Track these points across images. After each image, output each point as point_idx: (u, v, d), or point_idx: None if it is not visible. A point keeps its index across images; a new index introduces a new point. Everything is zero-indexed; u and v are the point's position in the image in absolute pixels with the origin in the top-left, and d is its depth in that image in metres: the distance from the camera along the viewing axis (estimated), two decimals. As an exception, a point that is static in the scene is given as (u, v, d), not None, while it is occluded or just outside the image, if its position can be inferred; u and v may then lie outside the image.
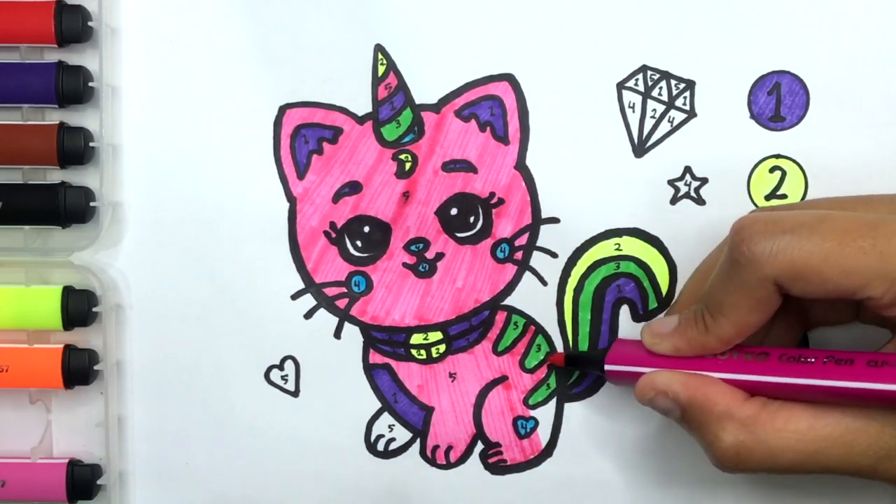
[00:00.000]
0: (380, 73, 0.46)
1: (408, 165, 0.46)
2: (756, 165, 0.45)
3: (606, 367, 0.43)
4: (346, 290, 0.47)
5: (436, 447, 0.47)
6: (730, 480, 0.46)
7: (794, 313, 0.41)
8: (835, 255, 0.37)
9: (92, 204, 0.46)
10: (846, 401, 0.38)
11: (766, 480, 0.47)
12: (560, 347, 0.46)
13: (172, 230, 0.47)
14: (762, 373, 0.39)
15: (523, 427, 0.47)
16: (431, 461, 0.47)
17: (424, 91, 0.46)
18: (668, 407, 0.41)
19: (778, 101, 0.45)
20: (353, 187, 0.46)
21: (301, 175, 0.46)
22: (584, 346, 0.46)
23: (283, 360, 0.47)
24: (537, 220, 0.46)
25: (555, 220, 0.46)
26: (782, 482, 0.47)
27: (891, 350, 0.39)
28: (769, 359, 0.40)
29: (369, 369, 0.47)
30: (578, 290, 0.46)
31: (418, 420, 0.47)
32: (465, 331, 0.47)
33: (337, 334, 0.47)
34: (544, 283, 0.46)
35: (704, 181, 0.45)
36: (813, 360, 0.39)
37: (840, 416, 0.38)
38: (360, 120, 0.46)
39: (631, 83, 0.45)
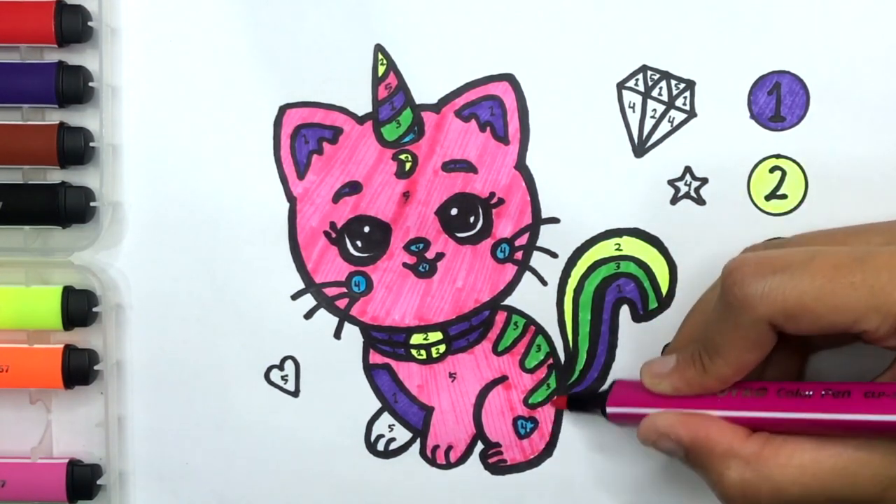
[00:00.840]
0: (380, 73, 0.46)
1: (408, 165, 0.46)
2: (756, 165, 0.45)
3: (608, 410, 0.44)
4: (346, 290, 0.47)
5: (436, 447, 0.47)
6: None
7: (795, 342, 0.41)
8: (826, 293, 0.37)
9: (92, 204, 0.46)
10: (846, 433, 0.38)
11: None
12: (560, 347, 0.46)
13: (172, 230, 0.47)
14: (761, 409, 0.40)
15: (523, 427, 0.47)
16: (431, 461, 0.47)
17: (424, 91, 0.46)
18: (672, 448, 0.41)
19: (778, 101, 0.45)
20: (353, 187, 0.46)
21: (301, 175, 0.46)
22: (584, 346, 0.46)
23: (283, 360, 0.47)
24: (537, 220, 0.46)
25: (555, 220, 0.46)
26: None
27: (888, 378, 0.39)
28: (767, 394, 0.40)
29: (369, 369, 0.47)
30: (578, 290, 0.46)
31: (418, 420, 0.47)
32: (465, 331, 0.47)
33: (337, 334, 0.47)
34: (544, 283, 0.46)
35: (704, 181, 0.45)
36: (810, 393, 0.39)
37: (842, 448, 0.38)
38: (360, 120, 0.46)
39: (631, 83, 0.45)
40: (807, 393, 0.39)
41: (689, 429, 0.40)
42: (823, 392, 0.39)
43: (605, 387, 0.45)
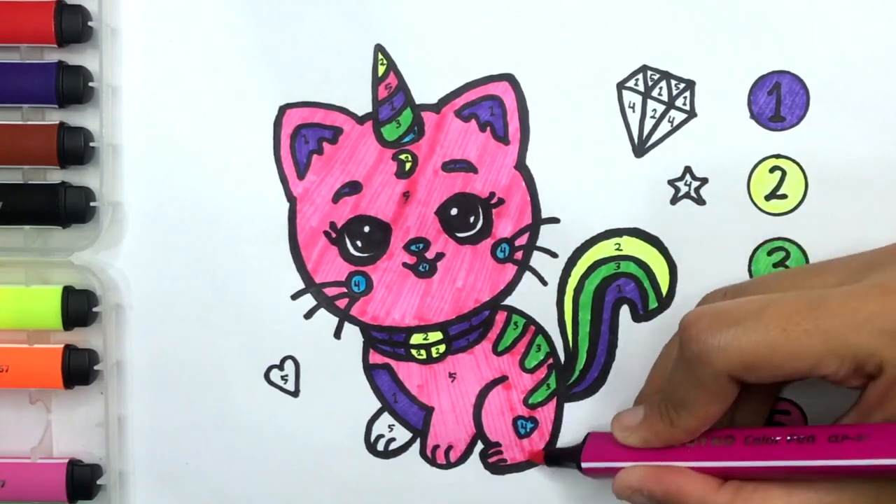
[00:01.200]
0: (380, 73, 0.46)
1: (408, 165, 0.46)
2: (756, 165, 0.45)
3: (584, 465, 0.44)
4: (346, 290, 0.47)
5: (436, 447, 0.47)
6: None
7: (761, 384, 0.41)
8: (781, 343, 0.37)
9: (92, 204, 0.46)
10: (815, 477, 0.38)
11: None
12: (560, 347, 0.46)
13: (172, 230, 0.47)
14: (730, 458, 0.40)
15: (523, 427, 0.47)
16: (431, 461, 0.47)
17: (424, 91, 0.46)
18: (646, 503, 0.41)
19: (778, 101, 0.45)
20: (353, 187, 0.46)
21: (301, 175, 0.46)
22: (583, 346, 0.46)
23: (283, 360, 0.47)
24: (537, 220, 0.46)
25: (555, 220, 0.46)
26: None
27: (853, 417, 0.39)
28: (735, 443, 0.40)
29: (369, 369, 0.47)
30: (578, 290, 0.46)
31: (418, 420, 0.47)
32: (465, 331, 0.47)
33: (337, 334, 0.47)
34: (544, 283, 0.46)
35: (704, 181, 0.45)
36: (778, 438, 0.39)
37: (812, 493, 0.38)
38: (360, 120, 0.46)
39: (631, 83, 0.45)
40: (774, 439, 0.39)
41: (661, 483, 0.41)
42: (789, 438, 0.39)
43: (581, 440, 0.45)
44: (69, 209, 0.45)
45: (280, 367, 0.47)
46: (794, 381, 0.40)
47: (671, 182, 0.46)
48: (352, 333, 0.47)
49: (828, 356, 0.37)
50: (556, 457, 0.46)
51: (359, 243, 0.46)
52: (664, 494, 0.41)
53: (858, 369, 0.37)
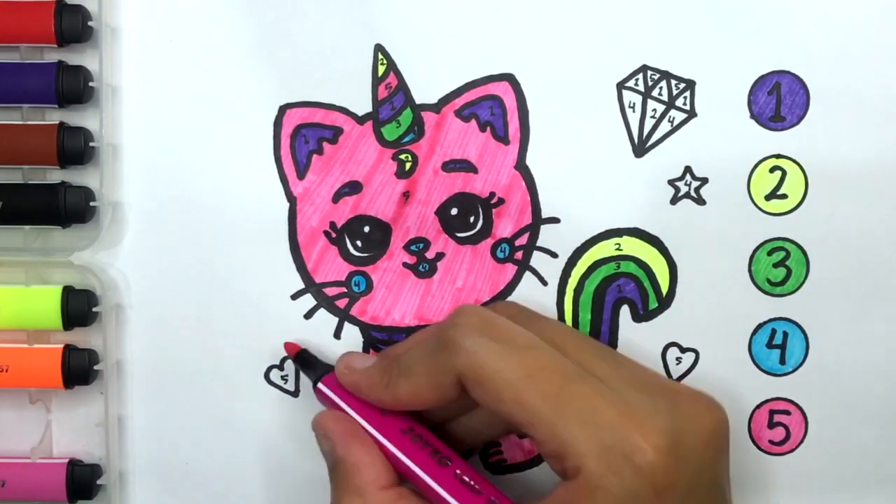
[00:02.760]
0: (380, 73, 0.46)
1: (408, 165, 0.46)
2: (756, 165, 0.45)
3: (319, 385, 0.44)
4: (346, 290, 0.47)
5: (436, 447, 0.47)
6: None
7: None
8: (519, 385, 0.37)
9: (92, 204, 0.46)
10: None
11: (762, 479, 0.47)
12: (560, 347, 0.46)
13: (172, 230, 0.47)
14: (428, 471, 0.40)
15: (523, 427, 0.47)
16: (431, 461, 0.47)
17: (424, 91, 0.46)
18: (324, 452, 0.42)
19: (778, 101, 0.45)
20: (353, 187, 0.46)
21: (301, 175, 0.46)
22: (584, 346, 0.46)
23: (283, 360, 0.47)
24: (537, 220, 0.46)
25: (555, 220, 0.46)
26: (781, 482, 0.47)
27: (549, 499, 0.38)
28: (448, 467, 0.40)
29: (369, 369, 0.47)
30: (578, 291, 0.46)
31: (418, 420, 0.47)
32: (465, 331, 0.47)
33: (337, 334, 0.47)
34: (544, 283, 0.46)
35: (704, 181, 0.45)
36: (475, 484, 0.39)
37: None
38: (360, 120, 0.46)
39: (631, 83, 0.45)
40: (474, 486, 0.39)
41: (345, 446, 0.41)
42: (472, 488, 0.39)
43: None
44: (69, 209, 0.45)
45: (280, 367, 0.47)
46: (513, 425, 0.39)
47: (671, 182, 0.46)
48: (352, 333, 0.47)
49: (547, 425, 0.37)
50: (306, 360, 0.45)
51: (359, 243, 0.46)
52: (341, 457, 0.40)
53: (560, 458, 0.37)
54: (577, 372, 0.38)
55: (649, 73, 0.45)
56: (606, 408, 0.37)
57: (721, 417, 0.40)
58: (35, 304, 0.46)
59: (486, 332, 0.39)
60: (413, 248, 0.46)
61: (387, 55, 0.45)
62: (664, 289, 0.46)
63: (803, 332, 0.46)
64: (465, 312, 0.40)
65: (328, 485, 0.44)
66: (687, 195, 0.46)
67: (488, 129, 0.46)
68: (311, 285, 0.47)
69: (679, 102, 0.45)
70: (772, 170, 0.45)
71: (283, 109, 0.46)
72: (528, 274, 0.46)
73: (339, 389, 0.43)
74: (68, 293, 0.46)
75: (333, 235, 0.46)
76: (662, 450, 0.37)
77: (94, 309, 0.46)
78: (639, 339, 0.46)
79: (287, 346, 0.46)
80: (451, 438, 0.43)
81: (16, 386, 0.46)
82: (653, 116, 0.45)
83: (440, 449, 0.41)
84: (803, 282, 0.46)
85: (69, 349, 0.46)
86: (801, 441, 0.47)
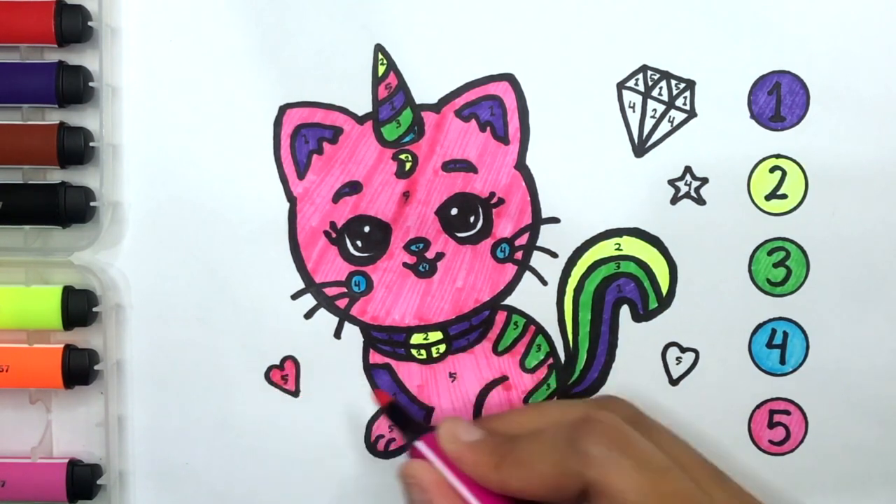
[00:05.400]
0: (380, 73, 0.46)
1: (408, 165, 0.46)
2: (756, 165, 0.45)
3: (417, 444, 0.42)
4: (346, 290, 0.47)
5: (436, 447, 0.47)
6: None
7: None
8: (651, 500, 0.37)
9: (92, 204, 0.46)
10: None
11: (762, 479, 0.47)
12: (560, 347, 0.46)
13: (172, 230, 0.47)
14: None
15: (523, 427, 0.47)
16: (431, 461, 0.47)
17: (424, 91, 0.46)
18: (416, 501, 0.40)
19: (778, 101, 0.45)
20: (353, 187, 0.46)
21: (301, 175, 0.46)
22: (584, 345, 0.46)
23: (283, 360, 0.47)
24: (537, 220, 0.46)
25: (555, 220, 0.46)
26: (781, 482, 0.47)
27: None
28: None
29: (369, 369, 0.47)
30: (578, 290, 0.46)
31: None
32: (465, 331, 0.47)
33: (337, 334, 0.47)
34: (544, 283, 0.46)
35: (704, 181, 0.45)
36: None
37: None
38: (361, 120, 0.46)
39: (631, 83, 0.45)
40: None
41: (444, 499, 0.40)
42: None
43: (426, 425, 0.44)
44: (69, 209, 0.45)
45: (280, 367, 0.47)
46: None
47: (671, 182, 0.46)
48: (352, 333, 0.47)
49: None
50: (400, 414, 0.44)
51: (359, 243, 0.46)
52: None
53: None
54: (702, 501, 0.38)
55: (649, 73, 0.45)
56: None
57: None
58: (35, 304, 0.46)
59: (622, 448, 0.37)
60: (413, 248, 0.46)
61: (387, 55, 0.45)
62: (664, 289, 0.46)
63: (803, 332, 0.46)
64: (601, 421, 0.38)
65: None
66: (687, 195, 0.46)
67: (488, 129, 0.46)
68: (311, 285, 0.47)
69: (679, 102, 0.45)
70: (772, 170, 0.45)
71: (283, 109, 0.46)
72: (528, 274, 0.46)
73: (440, 452, 0.41)
74: (68, 293, 0.46)
75: (333, 235, 0.46)
76: None
77: (94, 309, 0.46)
78: (639, 339, 0.46)
79: (378, 394, 0.45)
80: None
81: (16, 386, 0.46)
82: (653, 116, 0.45)
83: None
84: (803, 282, 0.46)
85: (69, 349, 0.46)
86: (801, 441, 0.47)
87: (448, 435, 0.41)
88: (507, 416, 0.44)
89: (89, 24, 0.45)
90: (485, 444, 0.40)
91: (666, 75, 0.45)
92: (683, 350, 0.46)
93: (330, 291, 0.47)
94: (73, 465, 0.47)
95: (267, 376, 0.47)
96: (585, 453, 0.37)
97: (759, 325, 0.46)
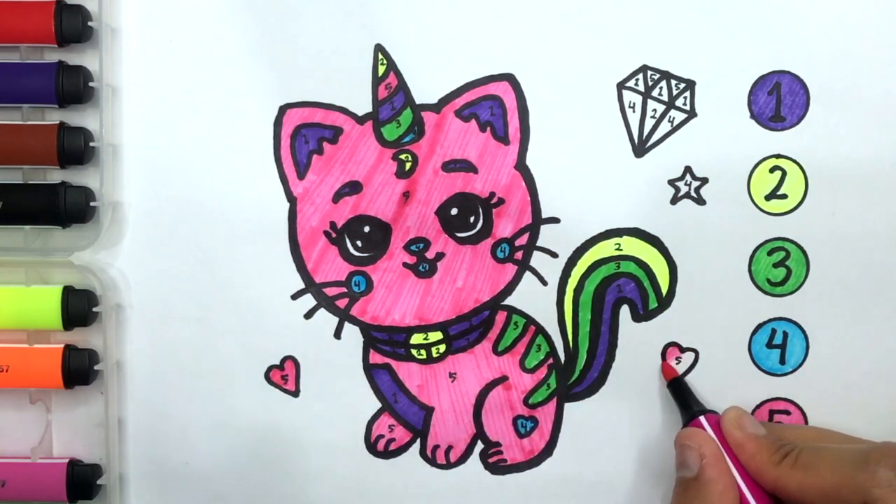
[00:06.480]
0: (380, 73, 0.46)
1: (408, 165, 0.46)
2: (756, 165, 0.45)
3: (702, 418, 0.43)
4: (346, 290, 0.47)
5: (436, 447, 0.47)
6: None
7: None
8: None
9: (92, 204, 0.46)
10: None
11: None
12: (560, 347, 0.46)
13: (172, 230, 0.47)
14: None
15: (523, 427, 0.47)
16: (431, 461, 0.47)
17: (424, 91, 0.46)
18: (689, 463, 0.42)
19: (778, 101, 0.45)
20: (353, 187, 0.46)
21: (301, 175, 0.46)
22: (584, 345, 0.46)
23: (283, 360, 0.47)
24: (537, 220, 0.46)
25: (555, 220, 0.46)
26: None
27: None
28: None
29: (369, 369, 0.47)
30: (578, 290, 0.46)
31: (418, 420, 0.47)
32: (465, 331, 0.47)
33: (337, 334, 0.47)
34: (544, 283, 0.46)
35: (704, 181, 0.45)
36: None
37: None
38: (361, 120, 0.46)
39: (631, 83, 0.45)
40: None
41: (719, 470, 0.41)
42: None
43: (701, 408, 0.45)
44: (69, 209, 0.45)
45: (280, 367, 0.47)
46: None
47: (671, 182, 0.46)
48: (352, 333, 0.47)
49: None
50: (684, 391, 0.45)
51: (359, 243, 0.46)
52: (709, 476, 0.41)
53: None
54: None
55: (649, 73, 0.45)
56: None
57: None
58: (35, 304, 0.46)
59: None
60: (413, 248, 0.46)
61: (387, 55, 0.45)
62: (664, 289, 0.46)
63: (803, 332, 0.46)
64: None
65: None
66: (687, 195, 0.46)
67: (488, 129, 0.46)
68: (311, 285, 0.47)
69: (679, 102, 0.45)
70: (772, 170, 0.45)
71: (283, 109, 0.46)
72: (528, 274, 0.46)
73: (720, 435, 0.43)
74: (68, 293, 0.46)
75: (333, 235, 0.46)
76: None
77: (94, 309, 0.46)
78: (639, 338, 0.46)
79: (665, 367, 0.46)
80: None
81: (16, 386, 0.46)
82: (653, 116, 0.45)
83: None
84: (803, 282, 0.46)
85: (69, 349, 0.46)
86: None
87: (734, 421, 0.43)
88: (787, 426, 0.45)
89: (89, 24, 0.45)
90: (767, 441, 0.42)
91: (666, 75, 0.45)
92: (683, 350, 0.46)
93: (330, 291, 0.47)
94: (73, 465, 0.47)
95: (267, 376, 0.47)
96: (875, 472, 0.39)
97: (759, 325, 0.46)
